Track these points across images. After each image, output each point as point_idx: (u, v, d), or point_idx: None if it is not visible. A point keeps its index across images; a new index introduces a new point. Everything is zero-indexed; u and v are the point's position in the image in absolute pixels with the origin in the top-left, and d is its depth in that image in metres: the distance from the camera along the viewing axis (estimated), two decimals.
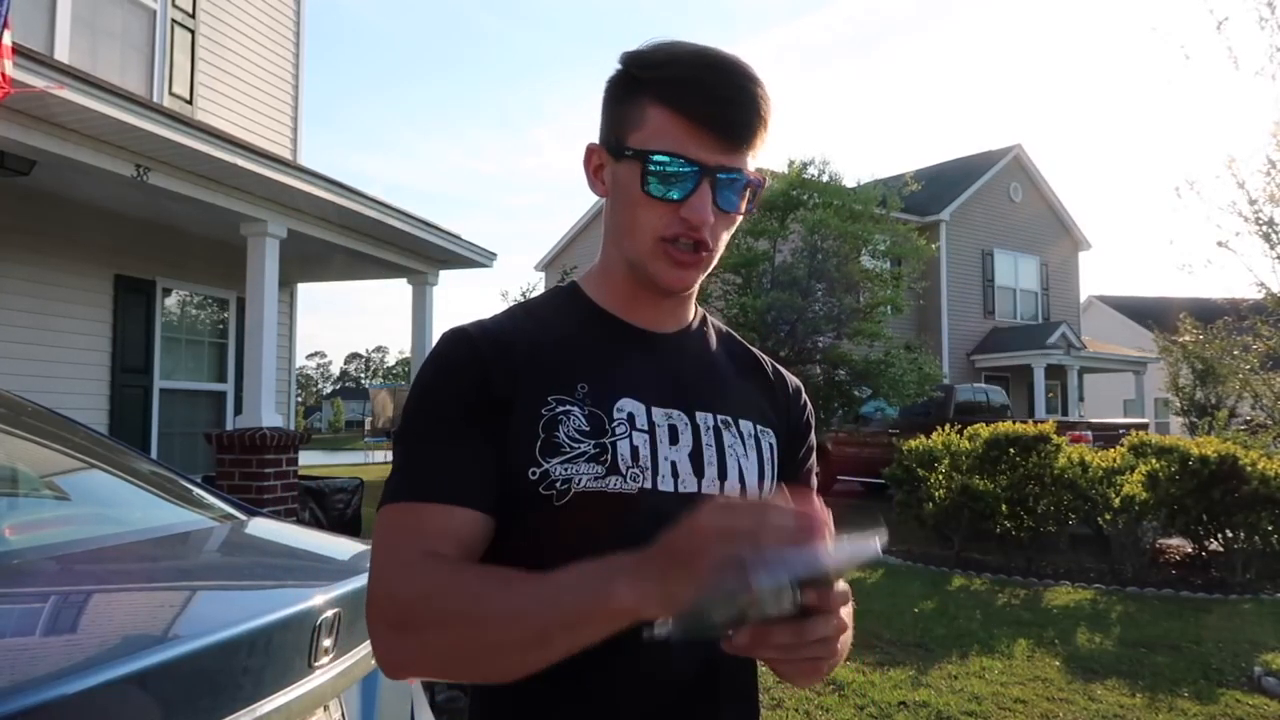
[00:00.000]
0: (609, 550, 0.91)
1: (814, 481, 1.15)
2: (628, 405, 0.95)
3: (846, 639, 0.85)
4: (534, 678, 0.93)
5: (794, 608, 0.69)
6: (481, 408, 0.91)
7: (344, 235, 7.45)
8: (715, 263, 0.99)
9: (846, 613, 0.80)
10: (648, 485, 0.93)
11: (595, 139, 1.01)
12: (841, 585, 0.76)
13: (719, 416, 1.00)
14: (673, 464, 0.95)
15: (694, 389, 1.01)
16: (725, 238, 0.97)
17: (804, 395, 1.16)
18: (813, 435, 1.16)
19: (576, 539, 0.90)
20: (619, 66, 0.97)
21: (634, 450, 0.93)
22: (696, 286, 1.02)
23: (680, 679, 0.93)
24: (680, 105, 0.91)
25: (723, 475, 0.98)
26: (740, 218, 0.98)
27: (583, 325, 1.01)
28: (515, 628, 0.78)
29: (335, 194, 6.63)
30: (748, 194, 0.95)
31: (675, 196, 0.92)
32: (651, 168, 0.91)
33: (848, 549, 0.71)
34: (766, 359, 1.15)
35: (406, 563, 0.84)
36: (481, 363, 0.92)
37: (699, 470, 0.96)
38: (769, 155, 1.03)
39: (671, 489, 0.94)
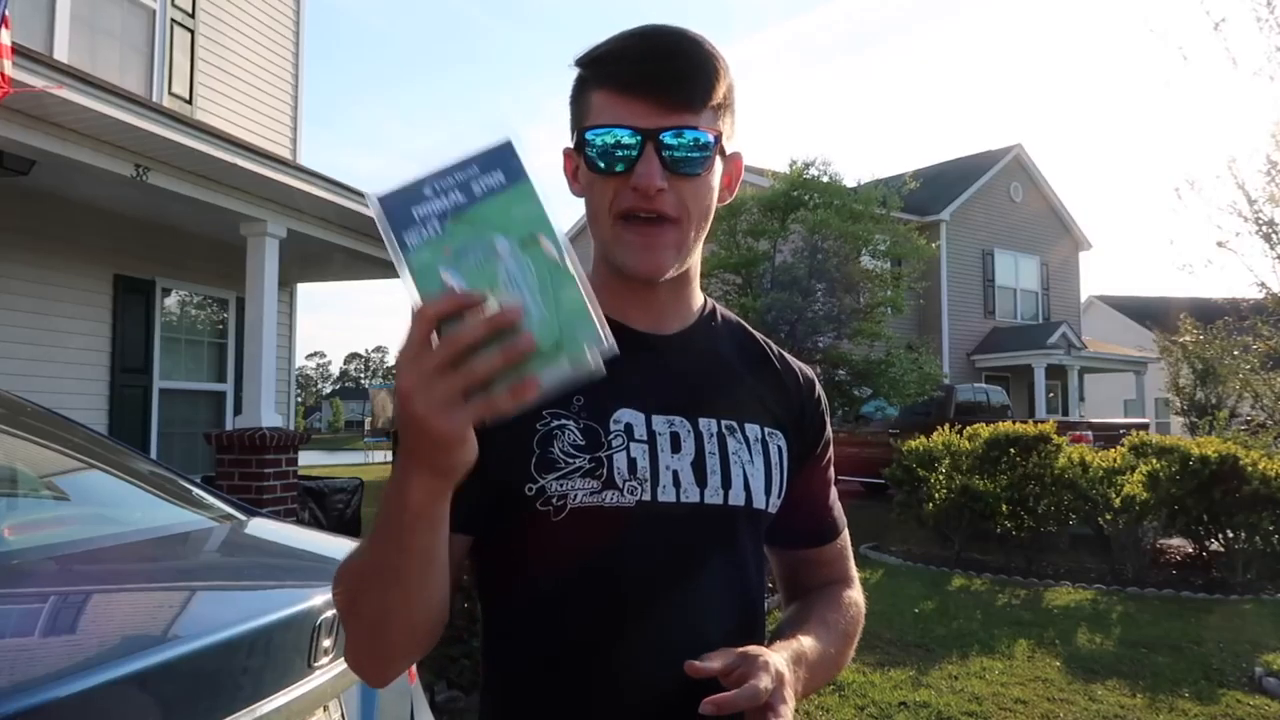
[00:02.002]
0: (608, 564, 0.91)
1: (831, 475, 1.13)
2: (625, 415, 0.93)
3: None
4: (536, 675, 0.93)
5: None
6: None
7: (344, 235, 7.44)
8: (692, 240, 0.94)
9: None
10: (646, 497, 0.91)
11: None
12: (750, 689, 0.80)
13: (724, 422, 0.98)
14: (674, 473, 0.93)
15: (697, 393, 0.98)
16: (696, 206, 0.92)
17: (818, 388, 1.12)
18: (828, 429, 1.12)
19: (575, 554, 0.90)
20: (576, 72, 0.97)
21: (631, 462, 0.92)
22: (685, 270, 0.97)
23: (682, 679, 0.92)
24: (613, 79, 0.90)
25: (727, 484, 0.95)
26: (712, 182, 0.93)
27: None
28: (372, 571, 0.79)
29: (335, 194, 6.62)
30: (713, 156, 0.91)
31: (620, 169, 0.89)
32: (594, 143, 0.90)
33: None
34: (776, 350, 1.11)
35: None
36: None
37: (701, 479, 0.94)
38: (742, 127, 0.98)
39: (673, 499, 0.93)
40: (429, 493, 0.71)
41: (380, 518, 0.77)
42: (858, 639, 1.08)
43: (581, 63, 0.95)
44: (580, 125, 0.94)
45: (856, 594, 1.11)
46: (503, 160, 0.69)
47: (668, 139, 0.89)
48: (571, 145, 0.98)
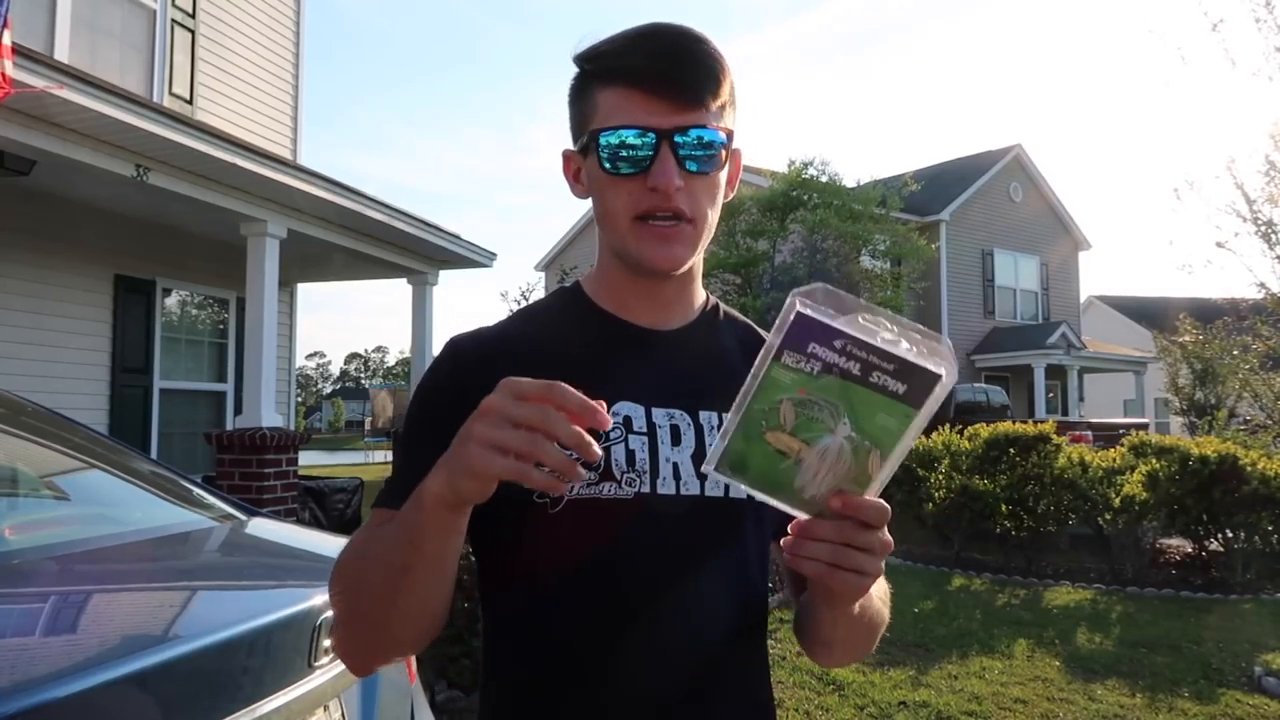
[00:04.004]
0: (606, 558, 0.91)
1: None
2: (625, 408, 0.94)
3: (879, 585, 0.87)
4: (537, 675, 0.93)
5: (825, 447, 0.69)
6: (460, 420, 0.91)
7: (344, 235, 7.45)
8: (704, 236, 0.95)
9: (886, 543, 0.77)
10: (645, 489, 0.91)
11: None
12: (878, 501, 0.73)
13: (725, 414, 0.98)
14: (674, 466, 0.93)
15: (698, 387, 0.98)
16: (708, 204, 0.93)
17: None
18: None
19: (573, 546, 0.90)
20: (575, 70, 0.96)
21: (630, 454, 0.92)
22: (690, 266, 0.98)
23: (684, 680, 0.93)
24: (623, 79, 0.90)
25: None
26: (721, 179, 0.95)
27: (582, 327, 1.00)
28: (379, 564, 0.81)
29: (335, 194, 6.62)
30: (722, 154, 0.92)
31: (636, 170, 0.89)
32: (608, 146, 0.90)
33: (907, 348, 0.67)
34: None
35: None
36: (465, 376, 0.93)
37: (702, 471, 0.95)
38: (741, 125, 0.98)
39: (673, 491, 0.92)
40: (441, 499, 0.74)
41: (400, 514, 0.79)
42: (887, 619, 1.02)
43: (584, 60, 0.95)
44: (586, 125, 0.93)
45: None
46: (916, 380, 0.67)
47: (682, 139, 0.89)
48: (575, 146, 0.97)
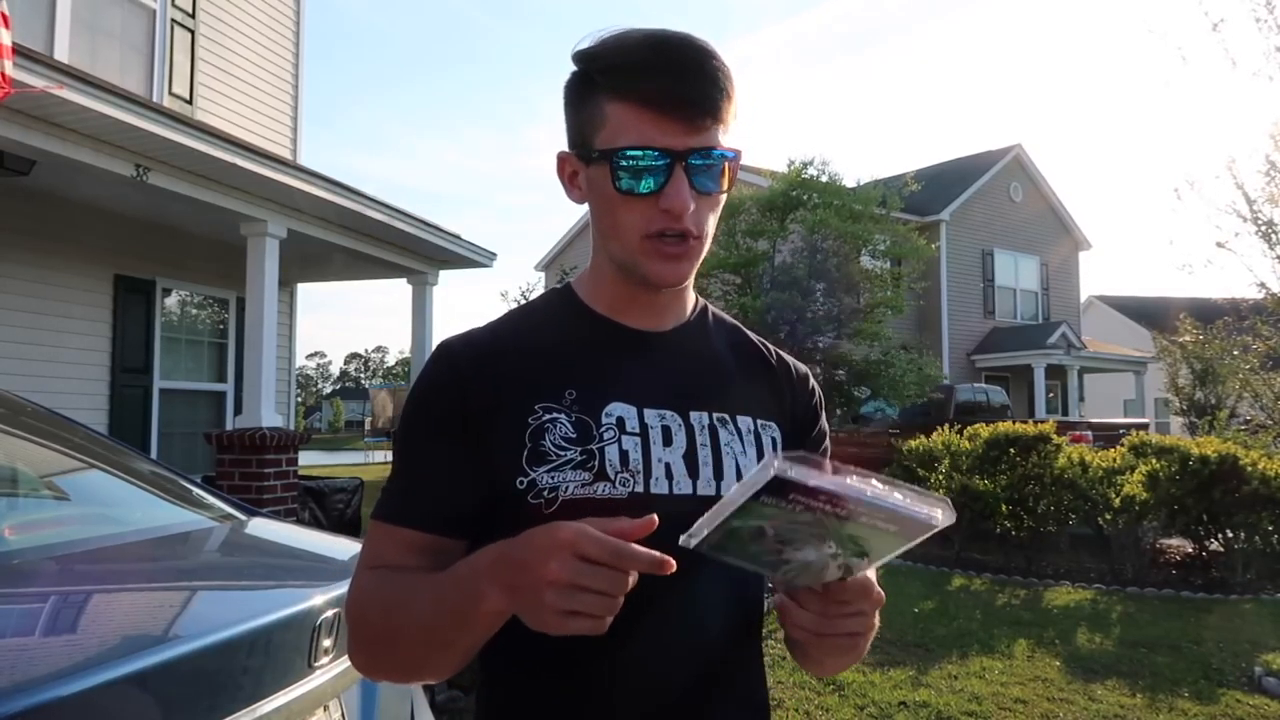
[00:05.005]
0: None
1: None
2: (617, 409, 0.94)
3: (867, 638, 0.88)
4: (535, 676, 0.93)
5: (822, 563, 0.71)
6: (454, 425, 0.93)
7: (344, 235, 7.44)
8: (706, 250, 0.97)
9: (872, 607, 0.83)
10: (639, 489, 0.92)
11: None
12: (872, 578, 0.76)
13: (715, 415, 0.99)
14: (666, 466, 0.94)
15: (689, 388, 0.99)
16: (712, 220, 0.95)
17: (811, 381, 1.13)
18: (824, 421, 1.12)
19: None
20: (574, 67, 0.96)
21: (623, 455, 0.92)
22: (691, 278, 0.99)
23: (681, 680, 0.93)
24: (637, 96, 0.89)
25: (719, 475, 0.96)
26: (724, 196, 0.96)
27: (574, 329, 1.00)
28: (418, 635, 0.85)
29: (335, 194, 6.62)
30: (727, 171, 0.93)
31: (651, 190, 0.90)
32: (621, 165, 0.89)
33: (899, 502, 0.66)
34: (771, 348, 1.12)
35: (357, 578, 0.93)
36: (458, 380, 0.94)
37: (693, 472, 0.95)
38: (741, 127, 0.98)
39: (665, 491, 0.93)
40: (500, 616, 0.80)
41: (449, 599, 0.82)
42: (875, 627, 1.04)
43: (588, 62, 0.93)
44: (592, 135, 0.93)
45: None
46: (908, 525, 0.68)
47: (696, 161, 0.90)
48: (572, 149, 0.97)
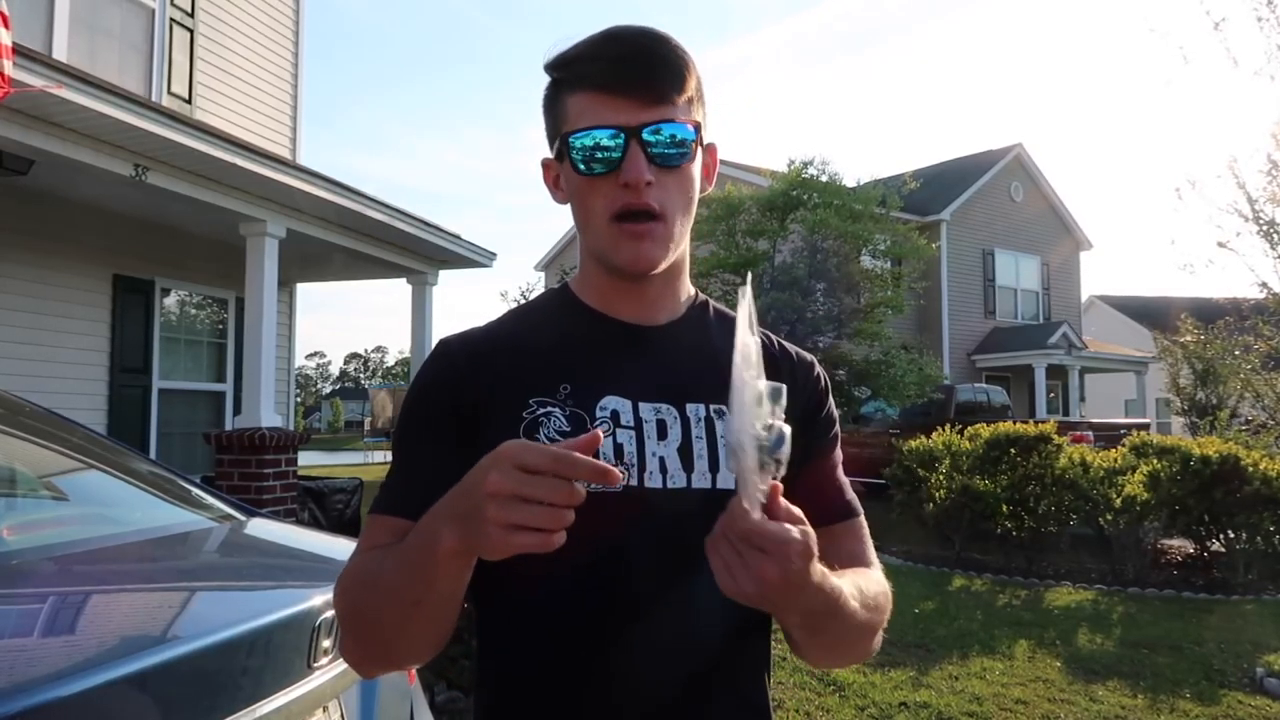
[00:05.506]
0: (596, 554, 0.91)
1: (838, 457, 1.09)
2: (612, 403, 0.95)
3: (865, 634, 0.90)
4: (535, 676, 0.93)
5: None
6: (449, 421, 0.94)
7: (344, 235, 7.44)
8: (680, 232, 0.96)
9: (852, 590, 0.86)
10: (634, 483, 0.92)
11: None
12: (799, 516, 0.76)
13: (712, 406, 0.98)
14: (661, 460, 0.94)
15: (685, 381, 0.99)
16: (681, 199, 0.95)
17: (817, 369, 1.10)
18: (831, 407, 1.09)
19: (564, 539, 0.90)
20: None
21: (618, 448, 0.93)
22: (672, 264, 0.98)
23: (680, 680, 0.92)
24: (589, 82, 0.92)
25: (714, 468, 0.96)
26: (693, 173, 0.96)
27: (570, 325, 1.01)
28: (388, 597, 0.84)
29: (335, 194, 6.62)
30: (692, 147, 0.94)
31: (610, 168, 0.91)
32: (576, 147, 0.92)
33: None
34: (775, 338, 1.10)
35: (346, 564, 0.94)
36: (454, 377, 0.96)
37: (688, 465, 0.95)
38: (712, 111, 1.01)
39: (660, 485, 0.93)
40: (455, 554, 0.77)
41: (410, 550, 0.81)
42: (884, 623, 0.98)
43: (552, 68, 0.97)
44: (559, 131, 0.96)
45: (880, 576, 1.03)
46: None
47: (649, 134, 0.91)
48: (551, 154, 1.00)
